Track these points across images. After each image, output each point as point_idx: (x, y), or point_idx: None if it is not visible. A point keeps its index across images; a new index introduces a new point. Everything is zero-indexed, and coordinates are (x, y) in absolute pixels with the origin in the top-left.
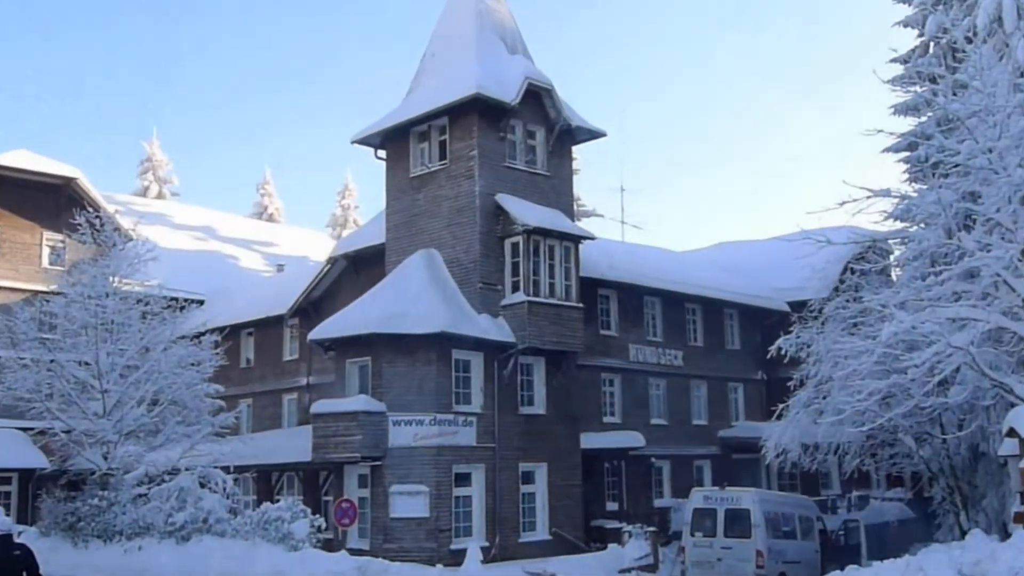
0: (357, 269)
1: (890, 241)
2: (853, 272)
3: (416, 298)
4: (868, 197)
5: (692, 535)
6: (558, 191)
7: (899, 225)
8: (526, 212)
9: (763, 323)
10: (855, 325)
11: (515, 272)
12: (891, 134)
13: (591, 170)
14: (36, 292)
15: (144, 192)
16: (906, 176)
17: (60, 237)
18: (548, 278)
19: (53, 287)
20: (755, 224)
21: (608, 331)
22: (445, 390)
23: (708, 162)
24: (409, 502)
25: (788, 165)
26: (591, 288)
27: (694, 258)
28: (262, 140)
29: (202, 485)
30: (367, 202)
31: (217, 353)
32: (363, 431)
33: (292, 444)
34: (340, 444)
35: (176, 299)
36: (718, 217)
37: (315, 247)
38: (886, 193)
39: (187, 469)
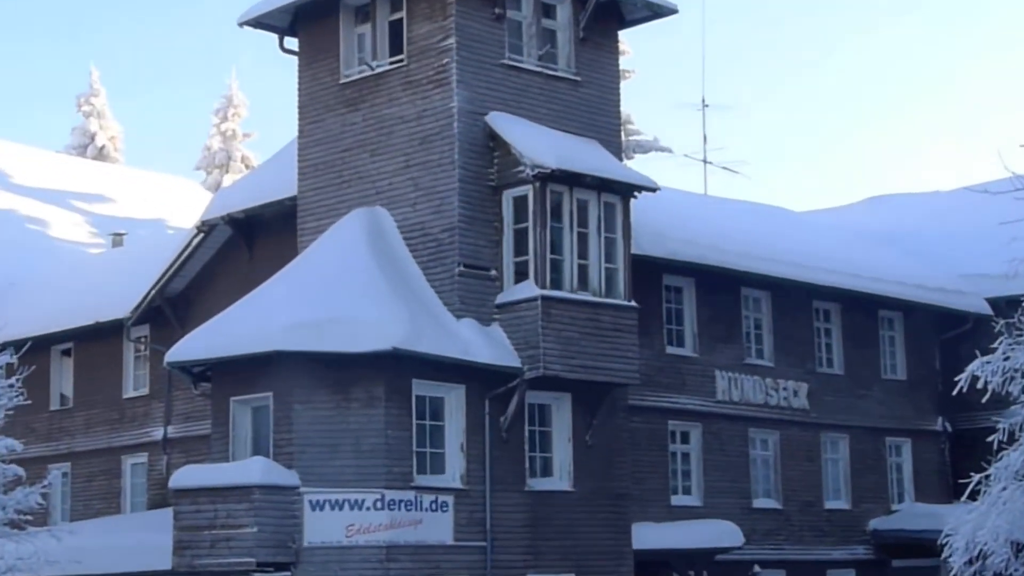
0: (249, 242)
1: None
2: None
3: (350, 291)
4: None
5: None
6: (594, 108)
7: None
8: (539, 143)
9: (945, 334)
10: None
11: (520, 247)
12: None
13: (651, 74)
14: None
15: None
16: None
17: None
18: (577, 257)
19: None
20: (929, 165)
21: (680, 348)
22: (401, 449)
23: (847, 61)
24: None
25: (981, 65)
26: (651, 274)
27: (827, 223)
28: (86, 22)
29: None
30: (265, 128)
31: (12, 385)
32: (260, 519)
33: (140, 541)
34: (222, 542)
35: None
36: (866, 153)
37: (177, 204)
38: None
39: None
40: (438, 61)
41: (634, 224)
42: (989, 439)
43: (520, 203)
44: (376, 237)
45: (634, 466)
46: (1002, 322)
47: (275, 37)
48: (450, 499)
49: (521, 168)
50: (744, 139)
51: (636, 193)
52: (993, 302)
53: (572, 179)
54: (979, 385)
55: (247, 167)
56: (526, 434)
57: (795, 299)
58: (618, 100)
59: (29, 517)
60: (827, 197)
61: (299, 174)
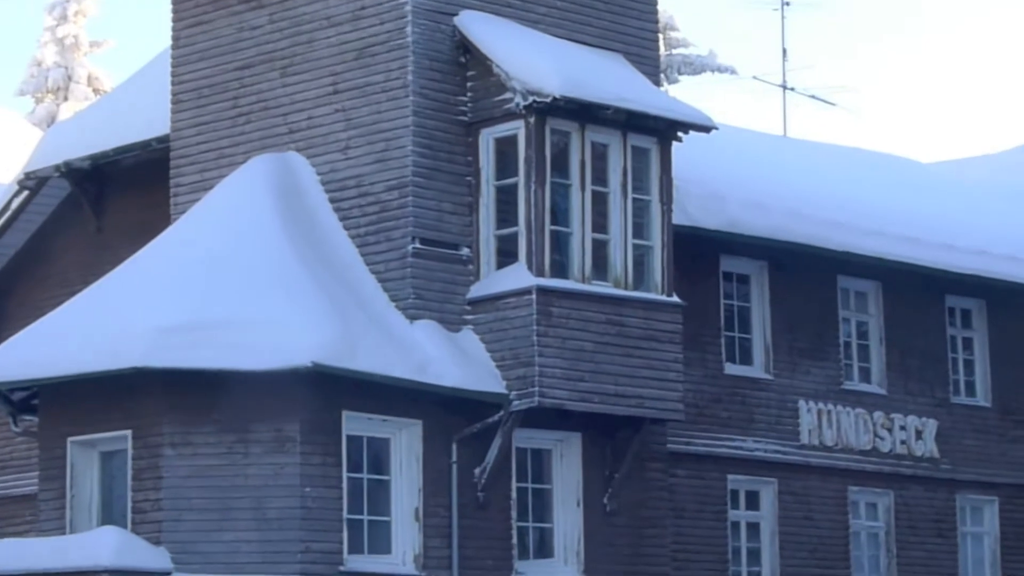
0: (97, 204)
1: None
2: None
3: (249, 279)
4: None
5: None
6: (618, 7)
7: None
8: (535, 58)
9: None
10: None
11: (506, 215)
12: None
13: None
14: None
15: None
16: None
17: None
18: (592, 230)
19: None
20: None
21: (746, 367)
22: (325, 516)
23: None
24: None
25: None
26: (704, 256)
27: (967, 180)
28: None
29: None
30: (124, 35)
31: None
32: None
33: None
34: None
35: None
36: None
37: None
38: None
39: None
40: None
41: (678, 181)
42: None
43: (506, 148)
44: (288, 197)
45: (676, 542)
46: None
47: None
48: None
49: (508, 96)
50: (843, 55)
51: (681, 133)
52: None
53: (585, 112)
54: None
55: (96, 92)
56: (514, 494)
57: (919, 294)
58: None
59: None
60: (967, 142)
61: (173, 103)
